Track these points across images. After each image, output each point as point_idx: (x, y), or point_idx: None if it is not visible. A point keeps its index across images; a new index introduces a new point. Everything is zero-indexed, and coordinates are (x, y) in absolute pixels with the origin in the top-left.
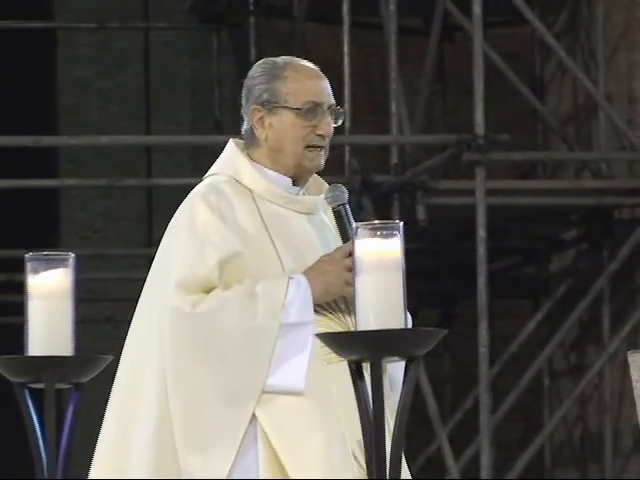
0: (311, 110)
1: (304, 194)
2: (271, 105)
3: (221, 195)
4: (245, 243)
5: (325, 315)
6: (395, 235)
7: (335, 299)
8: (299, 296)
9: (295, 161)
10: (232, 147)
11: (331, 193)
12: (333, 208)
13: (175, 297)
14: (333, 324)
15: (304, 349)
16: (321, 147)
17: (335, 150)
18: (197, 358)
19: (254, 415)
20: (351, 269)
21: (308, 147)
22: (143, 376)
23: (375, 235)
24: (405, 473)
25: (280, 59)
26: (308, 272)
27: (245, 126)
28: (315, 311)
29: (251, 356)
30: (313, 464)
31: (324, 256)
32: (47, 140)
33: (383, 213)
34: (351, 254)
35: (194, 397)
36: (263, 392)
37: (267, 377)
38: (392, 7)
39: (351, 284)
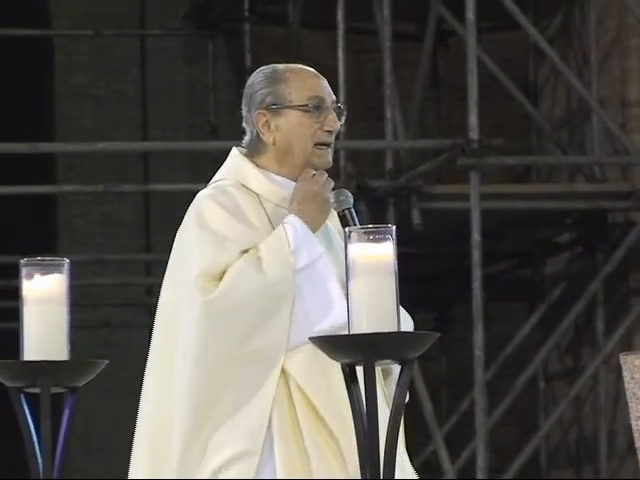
0: (316, 106)
1: None
2: (276, 107)
3: (229, 196)
4: (257, 239)
5: None
6: (388, 239)
7: None
8: (300, 237)
9: (304, 159)
10: (236, 154)
11: (336, 198)
12: (339, 213)
13: (197, 287)
14: None
15: (329, 277)
16: (329, 144)
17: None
18: (225, 331)
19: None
20: (324, 182)
21: (317, 145)
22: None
23: (368, 239)
24: (409, 472)
25: (279, 65)
26: (296, 207)
27: (248, 135)
28: None
29: (274, 314)
30: (349, 414)
31: (299, 185)
32: (44, 147)
33: (378, 217)
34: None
35: (225, 367)
36: (289, 349)
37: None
38: (386, 13)
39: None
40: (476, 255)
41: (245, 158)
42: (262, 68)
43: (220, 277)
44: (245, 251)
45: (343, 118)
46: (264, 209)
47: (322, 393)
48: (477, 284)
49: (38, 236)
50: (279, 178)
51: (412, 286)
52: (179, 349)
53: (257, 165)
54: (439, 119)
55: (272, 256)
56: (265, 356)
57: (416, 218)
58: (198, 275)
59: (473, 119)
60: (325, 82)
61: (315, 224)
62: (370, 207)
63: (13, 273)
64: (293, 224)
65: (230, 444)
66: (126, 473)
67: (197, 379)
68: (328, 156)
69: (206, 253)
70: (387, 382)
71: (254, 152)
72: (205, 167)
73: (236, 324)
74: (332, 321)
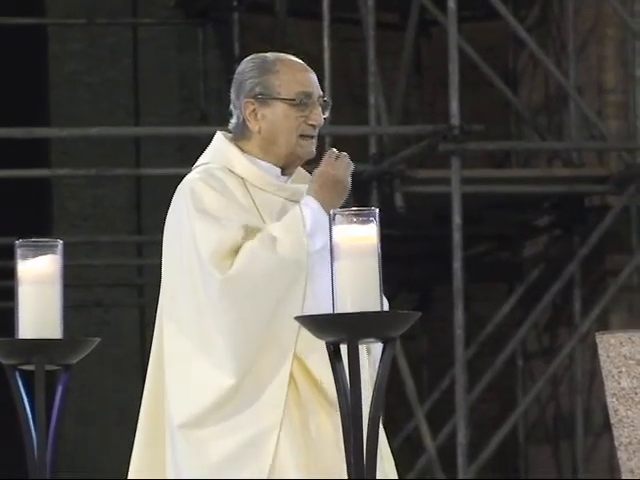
0: (303, 101)
1: (290, 183)
2: (264, 97)
3: (217, 179)
4: (250, 219)
5: None
6: (371, 221)
7: None
8: (317, 221)
9: (288, 150)
10: (221, 138)
11: None
12: None
13: (211, 266)
14: None
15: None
16: (313, 136)
17: (316, 139)
18: (240, 312)
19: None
20: (346, 167)
21: (301, 136)
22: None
23: (352, 221)
24: (386, 449)
25: (269, 54)
26: (315, 190)
27: (234, 120)
28: None
29: (288, 295)
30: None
31: (322, 169)
32: (39, 132)
33: (362, 201)
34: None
35: (243, 342)
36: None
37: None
38: (370, 3)
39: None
40: (457, 237)
41: (230, 143)
42: (253, 56)
43: (229, 255)
44: (244, 228)
45: (327, 111)
46: (249, 193)
47: (321, 364)
48: (458, 265)
49: (33, 218)
50: (264, 163)
51: (395, 267)
52: (193, 329)
53: (242, 150)
54: (422, 105)
55: (288, 237)
56: (281, 338)
57: (399, 201)
58: (210, 256)
59: (454, 106)
60: (313, 75)
61: (332, 209)
62: (354, 191)
63: (8, 254)
64: (311, 207)
65: (247, 427)
66: (117, 447)
67: (217, 359)
68: (312, 147)
69: (210, 234)
70: (368, 361)
71: (240, 137)
72: (195, 152)
73: (253, 304)
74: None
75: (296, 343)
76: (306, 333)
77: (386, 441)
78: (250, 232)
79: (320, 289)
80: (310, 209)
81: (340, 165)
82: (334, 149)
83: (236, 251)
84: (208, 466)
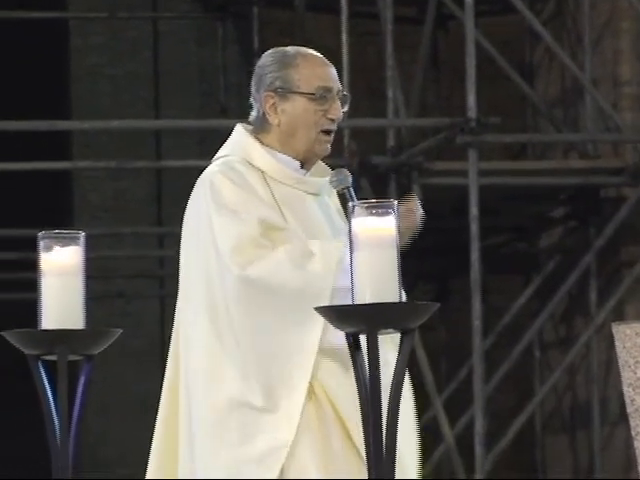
0: (323, 95)
1: (310, 177)
2: (284, 91)
3: (237, 172)
4: (269, 213)
5: None
6: (390, 213)
7: None
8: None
9: (307, 145)
10: (241, 131)
11: (336, 177)
12: (338, 191)
13: (227, 262)
14: None
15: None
16: (331, 131)
17: (335, 133)
18: (252, 317)
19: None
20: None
21: (321, 132)
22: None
23: (371, 213)
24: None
25: (289, 48)
26: None
27: (255, 113)
28: None
29: (306, 316)
30: None
31: (403, 217)
32: (61, 125)
33: (380, 193)
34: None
35: (257, 352)
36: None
37: (325, 334)
38: None
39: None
40: (474, 229)
41: (250, 135)
42: (273, 50)
43: (247, 250)
44: (262, 220)
45: (347, 106)
46: (269, 186)
47: (350, 406)
48: (475, 257)
49: (55, 210)
50: (283, 156)
51: (413, 259)
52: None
53: (262, 142)
54: (439, 99)
55: (320, 263)
56: (296, 354)
57: (417, 193)
58: (229, 251)
59: (471, 99)
60: (333, 69)
61: None
62: (372, 183)
63: (32, 246)
64: None
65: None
66: (138, 439)
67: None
68: (328, 144)
69: (229, 229)
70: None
71: (259, 130)
72: (215, 145)
73: (266, 313)
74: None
75: (314, 369)
76: (330, 365)
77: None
78: (269, 228)
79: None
80: None
81: (415, 219)
82: (415, 199)
83: (255, 246)
84: (216, 468)
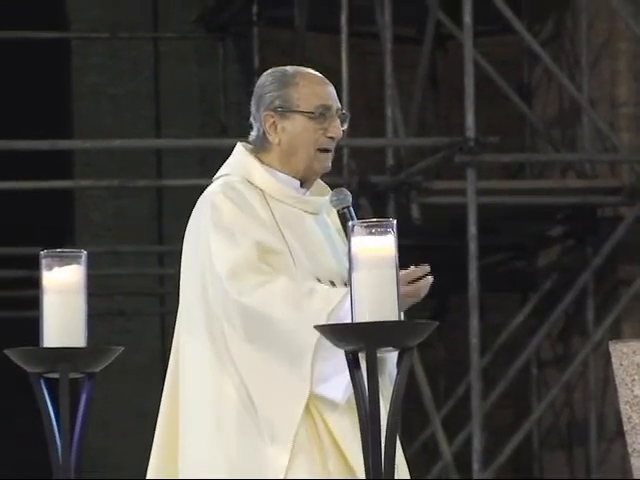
0: (322, 114)
1: (309, 196)
2: (284, 110)
3: (238, 192)
4: (267, 234)
5: None
6: (389, 232)
7: None
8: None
9: (307, 163)
10: (241, 150)
11: (336, 197)
12: (338, 211)
13: (225, 285)
14: None
15: (345, 369)
16: (330, 150)
17: (334, 152)
18: (251, 341)
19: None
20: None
21: (320, 150)
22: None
23: (370, 232)
24: (400, 457)
25: (289, 68)
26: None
27: (255, 132)
28: None
29: (296, 357)
30: None
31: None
32: (63, 144)
33: (379, 212)
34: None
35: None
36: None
37: (311, 382)
38: (387, 17)
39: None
40: (472, 247)
41: (250, 154)
42: (273, 70)
43: (245, 274)
44: (258, 243)
45: (346, 124)
46: (268, 205)
47: (345, 424)
48: (473, 275)
49: (57, 229)
50: (283, 176)
51: None
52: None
53: (262, 162)
54: (438, 118)
55: (317, 303)
56: (290, 388)
57: (415, 212)
58: (226, 274)
59: (470, 118)
60: (332, 88)
61: None
62: (372, 202)
63: (34, 264)
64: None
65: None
66: (138, 454)
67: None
68: (328, 161)
69: (227, 252)
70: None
71: (260, 149)
72: (215, 164)
73: (260, 341)
74: (325, 393)
75: (309, 399)
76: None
77: (401, 450)
78: (266, 251)
79: (322, 374)
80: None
81: (422, 289)
82: (424, 267)
83: (253, 271)
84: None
